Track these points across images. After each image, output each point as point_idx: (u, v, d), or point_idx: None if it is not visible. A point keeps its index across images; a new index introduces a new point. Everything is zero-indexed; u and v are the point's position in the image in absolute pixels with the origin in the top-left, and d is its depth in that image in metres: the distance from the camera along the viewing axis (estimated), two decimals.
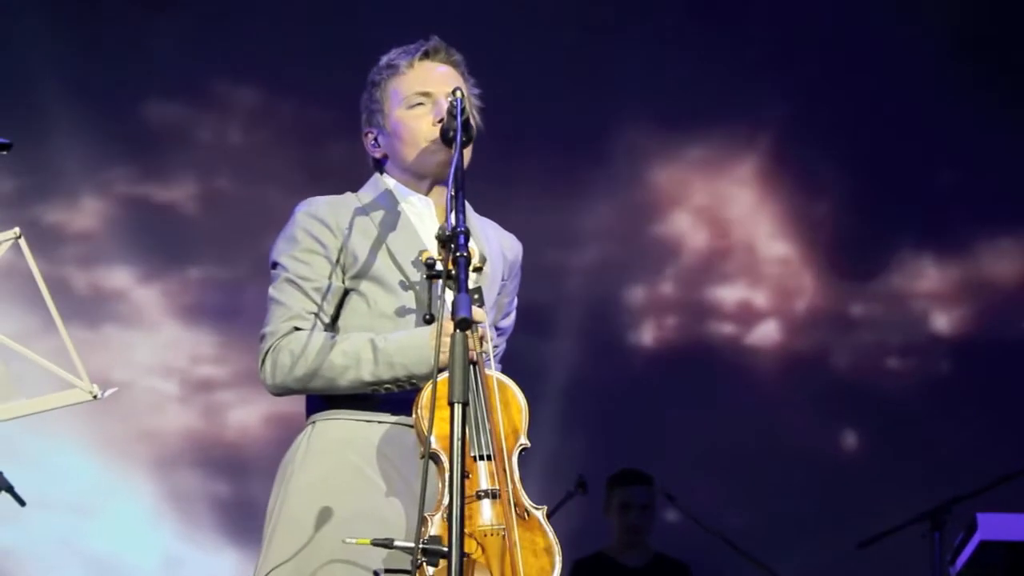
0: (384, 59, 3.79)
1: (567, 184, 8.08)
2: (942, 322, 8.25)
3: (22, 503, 5.43)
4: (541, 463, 7.01)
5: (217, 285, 7.91)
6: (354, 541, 3.36)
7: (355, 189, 3.81)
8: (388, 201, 3.73)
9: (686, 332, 8.21)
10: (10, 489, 5.36)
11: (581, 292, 7.77)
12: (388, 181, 3.77)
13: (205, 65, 7.99)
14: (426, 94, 3.72)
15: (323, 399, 3.64)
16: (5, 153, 3.46)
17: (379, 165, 3.81)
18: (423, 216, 3.73)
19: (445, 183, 3.64)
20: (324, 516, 3.53)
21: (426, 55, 3.76)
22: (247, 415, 7.90)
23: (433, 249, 3.53)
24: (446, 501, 3.27)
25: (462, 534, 3.16)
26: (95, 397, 3.35)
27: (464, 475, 3.20)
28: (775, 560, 7.01)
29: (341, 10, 7.96)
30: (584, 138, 8.06)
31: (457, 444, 3.18)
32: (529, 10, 7.95)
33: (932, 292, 8.24)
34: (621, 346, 8.12)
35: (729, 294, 8.24)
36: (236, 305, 7.79)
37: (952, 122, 8.05)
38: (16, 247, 3.30)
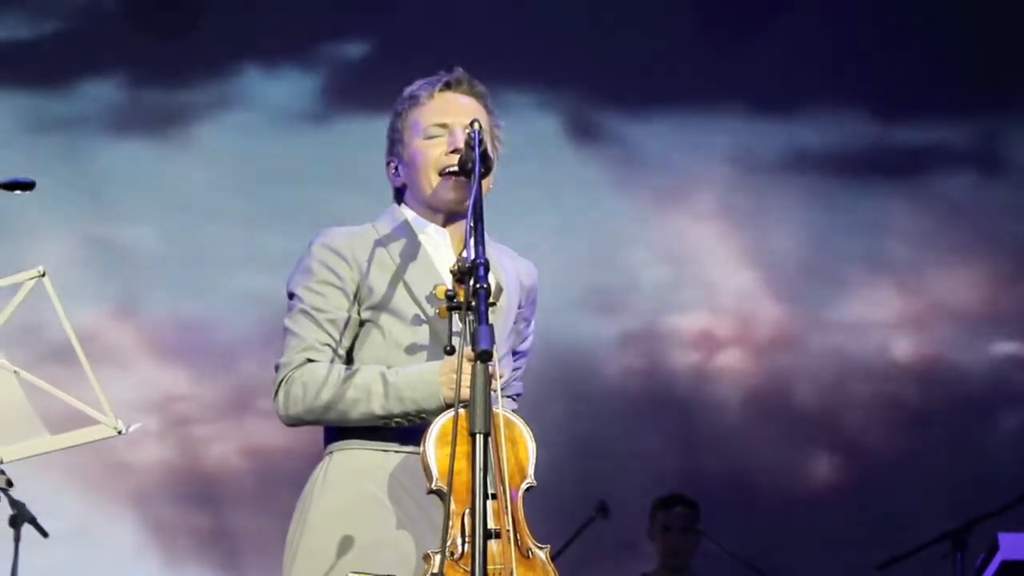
0: (408, 89, 3.80)
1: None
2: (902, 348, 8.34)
3: (45, 534, 5.45)
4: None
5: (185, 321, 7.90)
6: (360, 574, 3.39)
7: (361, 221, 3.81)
8: (405, 232, 3.73)
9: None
10: (32, 520, 5.38)
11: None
12: (406, 212, 3.76)
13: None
14: (443, 125, 3.72)
15: (340, 430, 3.64)
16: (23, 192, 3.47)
17: (399, 195, 3.82)
18: (439, 247, 3.73)
19: (460, 216, 3.67)
20: (343, 546, 3.53)
21: (447, 86, 3.77)
22: (223, 448, 7.90)
23: (448, 282, 3.56)
24: (456, 539, 3.31)
25: (485, 571, 3.16)
26: (120, 432, 3.37)
27: (473, 511, 3.20)
28: None
29: None
30: None
31: (480, 475, 3.18)
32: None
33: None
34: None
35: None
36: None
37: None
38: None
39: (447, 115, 3.73)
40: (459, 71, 3.79)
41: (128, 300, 7.94)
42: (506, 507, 3.39)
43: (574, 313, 7.82)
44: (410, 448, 3.57)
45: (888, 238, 8.31)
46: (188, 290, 8.01)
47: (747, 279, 8.26)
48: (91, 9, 8.37)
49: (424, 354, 3.62)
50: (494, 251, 3.77)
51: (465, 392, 3.31)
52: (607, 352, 8.13)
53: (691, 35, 8.30)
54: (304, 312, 3.63)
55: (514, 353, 3.86)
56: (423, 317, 3.63)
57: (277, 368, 3.63)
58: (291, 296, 3.70)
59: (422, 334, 3.63)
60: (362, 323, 3.66)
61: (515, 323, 3.82)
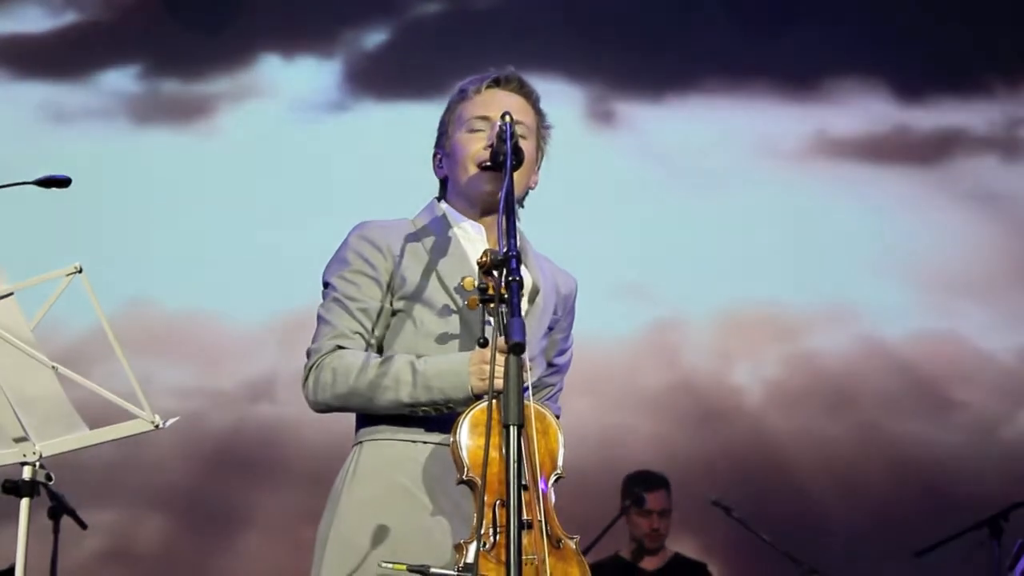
0: (459, 84, 3.82)
1: None
2: None
3: (83, 526, 5.50)
4: None
5: None
6: (390, 566, 3.37)
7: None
8: (441, 226, 3.74)
9: None
10: (72, 513, 5.43)
11: None
12: (444, 207, 3.78)
13: None
14: (485, 119, 3.72)
15: (369, 420, 3.64)
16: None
17: (442, 188, 3.83)
18: (474, 241, 3.74)
19: (495, 211, 3.67)
20: (375, 537, 3.54)
21: (496, 83, 3.77)
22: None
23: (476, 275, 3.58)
24: (488, 529, 3.31)
25: (520, 561, 3.15)
26: (157, 427, 3.40)
27: (505, 502, 3.18)
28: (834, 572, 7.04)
29: None
30: None
31: (513, 467, 3.18)
32: None
33: None
34: None
35: None
36: None
37: None
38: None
39: (490, 110, 3.72)
40: (510, 69, 3.80)
41: (145, 292, 7.96)
42: (538, 498, 3.39)
43: (602, 303, 7.86)
44: (439, 439, 3.56)
45: None
46: (205, 281, 8.01)
47: (777, 268, 8.26)
48: (107, 2, 8.39)
49: (455, 345, 3.62)
50: (534, 257, 3.80)
51: (497, 383, 3.30)
52: (633, 343, 8.13)
53: (717, 21, 8.31)
54: (337, 300, 3.64)
55: (550, 365, 3.86)
56: (454, 308, 3.63)
57: (308, 354, 3.63)
58: (326, 285, 3.70)
59: (453, 325, 3.63)
60: (394, 313, 3.66)
61: (551, 330, 3.82)
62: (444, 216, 3.76)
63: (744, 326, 8.24)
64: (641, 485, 6.97)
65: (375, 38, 8.40)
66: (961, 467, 7.90)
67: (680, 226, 8.17)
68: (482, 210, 3.75)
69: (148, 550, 7.81)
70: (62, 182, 3.44)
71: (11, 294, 3.38)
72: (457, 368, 3.48)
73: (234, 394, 8.06)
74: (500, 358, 3.26)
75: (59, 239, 7.76)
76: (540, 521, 3.39)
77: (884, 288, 8.13)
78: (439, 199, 3.83)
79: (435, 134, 3.84)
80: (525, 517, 3.34)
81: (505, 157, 3.52)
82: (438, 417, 3.56)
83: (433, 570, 3.33)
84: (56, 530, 5.30)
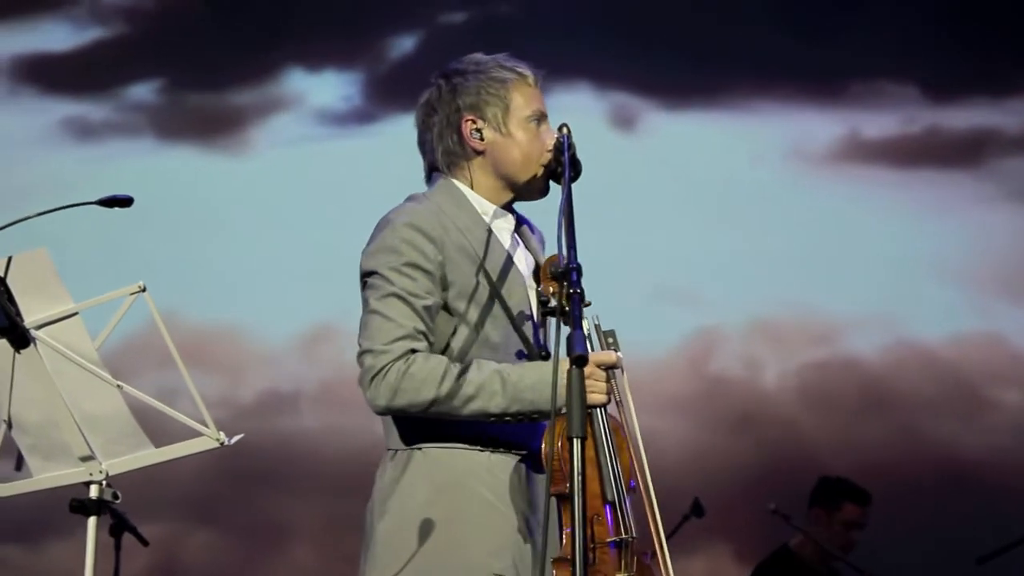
0: (499, 59, 3.70)
1: None
2: None
3: (145, 543, 5.52)
4: None
5: None
6: None
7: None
8: (471, 214, 3.64)
9: None
10: (133, 530, 5.45)
11: None
12: (462, 188, 3.66)
13: None
14: (544, 116, 3.69)
15: (432, 426, 3.53)
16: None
17: (451, 159, 3.67)
18: (503, 233, 3.68)
19: (520, 201, 3.70)
20: (465, 554, 3.49)
21: (540, 77, 3.73)
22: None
23: (528, 279, 3.60)
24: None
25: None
26: (222, 444, 3.40)
27: (580, 516, 3.19)
28: None
29: None
30: None
31: (577, 480, 3.19)
32: None
33: None
34: None
35: None
36: None
37: None
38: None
39: (545, 108, 3.71)
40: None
41: (171, 306, 7.95)
42: (629, 512, 3.46)
43: (634, 309, 7.85)
44: (511, 450, 3.55)
45: None
46: (233, 294, 8.00)
47: (811, 272, 8.25)
48: (132, 16, 8.40)
49: (510, 352, 3.57)
50: (535, 238, 3.78)
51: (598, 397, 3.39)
52: (667, 348, 8.12)
53: (744, 26, 8.30)
54: (397, 296, 3.48)
55: None
56: (504, 311, 3.58)
57: (370, 353, 3.47)
58: (372, 274, 3.54)
59: (507, 330, 3.58)
60: (444, 307, 3.55)
61: None
62: (465, 198, 3.66)
63: (778, 331, 8.22)
64: (858, 499, 6.92)
65: (401, 47, 8.42)
66: (1005, 470, 7.88)
67: (712, 231, 8.13)
68: (515, 198, 3.71)
69: (194, 564, 7.82)
70: (124, 201, 3.44)
71: (76, 314, 3.38)
72: (550, 380, 3.33)
73: (258, 406, 8.05)
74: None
75: (80, 254, 7.77)
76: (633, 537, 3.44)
77: (920, 290, 8.10)
78: (444, 175, 3.69)
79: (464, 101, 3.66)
80: (622, 536, 3.42)
81: (563, 168, 3.53)
82: (512, 428, 3.52)
83: None
84: (118, 547, 5.33)
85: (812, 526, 6.87)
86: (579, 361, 3.16)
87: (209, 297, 7.90)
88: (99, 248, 7.44)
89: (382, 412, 3.51)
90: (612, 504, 3.45)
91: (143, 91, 8.28)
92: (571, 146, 3.57)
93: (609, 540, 3.42)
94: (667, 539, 3.52)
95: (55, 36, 8.27)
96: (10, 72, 8.19)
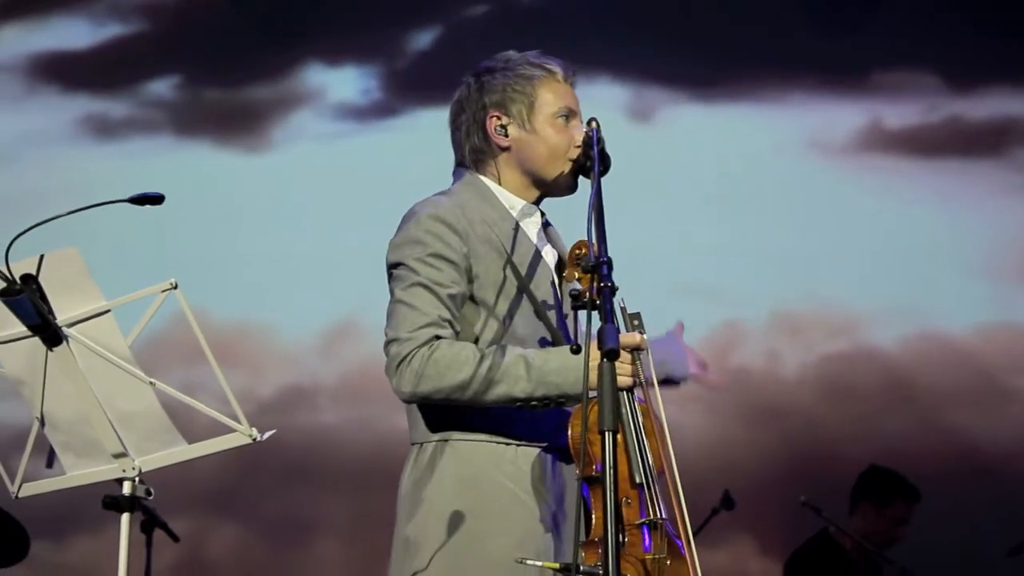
0: (529, 56, 3.75)
1: None
2: None
3: (176, 539, 5.54)
4: None
5: None
6: (539, 563, 3.39)
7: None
8: (497, 208, 3.68)
9: None
10: (164, 526, 5.47)
11: None
12: (487, 182, 3.71)
13: None
14: (574, 113, 3.72)
15: (457, 418, 3.56)
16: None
17: (478, 155, 3.72)
18: (531, 228, 3.71)
19: (549, 197, 3.73)
20: (490, 546, 3.52)
21: (572, 74, 3.76)
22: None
23: (555, 277, 3.62)
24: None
25: (618, 563, 3.18)
26: (254, 440, 3.41)
27: (611, 501, 3.19)
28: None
29: None
30: None
31: (609, 472, 3.20)
32: None
33: None
34: None
35: None
36: None
37: None
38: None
39: (575, 104, 3.74)
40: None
41: (192, 302, 7.93)
42: (658, 494, 3.47)
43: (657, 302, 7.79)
44: (534, 442, 3.57)
45: None
46: (256, 292, 8.00)
47: (833, 263, 8.23)
48: (151, 12, 8.41)
49: (536, 344, 3.59)
50: (554, 232, 3.80)
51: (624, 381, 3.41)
52: (702, 342, 8.07)
53: (763, 17, 8.30)
54: (423, 285, 3.51)
55: None
56: (531, 303, 3.61)
57: (396, 341, 3.49)
58: (398, 265, 3.58)
59: (534, 321, 3.61)
60: (470, 299, 3.59)
61: None
62: (492, 192, 3.70)
63: (800, 322, 8.21)
64: (910, 496, 6.92)
65: (421, 41, 8.42)
66: None
67: (733, 223, 8.13)
68: (542, 194, 3.74)
69: (220, 558, 7.83)
70: (155, 199, 3.44)
71: (108, 311, 3.39)
72: (576, 363, 3.38)
73: (279, 402, 8.05)
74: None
75: (103, 251, 7.77)
76: (665, 519, 3.45)
77: (942, 281, 8.09)
78: (470, 170, 3.73)
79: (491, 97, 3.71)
80: (653, 517, 3.44)
81: (593, 162, 3.55)
82: (527, 421, 3.55)
83: (584, 567, 3.33)
84: (148, 543, 5.34)
85: (858, 518, 6.88)
86: (611, 355, 3.16)
87: (229, 293, 7.89)
88: (120, 245, 7.45)
89: (408, 399, 3.53)
90: (642, 486, 3.45)
91: (163, 87, 8.31)
92: (600, 140, 3.59)
93: (638, 522, 3.44)
94: (696, 532, 3.54)
95: (74, 33, 8.29)
96: (30, 70, 8.21)
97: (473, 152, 3.72)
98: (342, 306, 7.78)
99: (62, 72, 8.24)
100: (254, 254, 7.95)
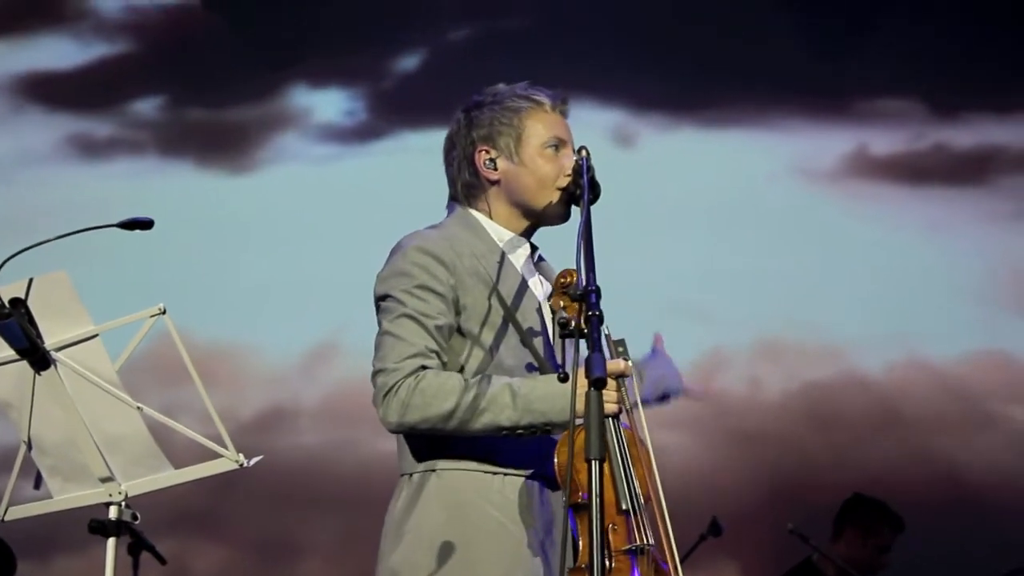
0: (517, 88, 3.76)
1: None
2: None
3: (163, 561, 5.52)
4: None
5: None
6: None
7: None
8: (486, 240, 3.68)
9: None
10: (152, 548, 5.44)
11: None
12: (476, 216, 3.72)
13: None
14: (564, 143, 3.73)
15: (443, 447, 3.56)
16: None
17: (469, 191, 3.75)
18: (518, 259, 3.71)
19: (539, 228, 3.74)
20: (480, 574, 3.50)
21: (564, 103, 3.77)
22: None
23: (545, 306, 3.61)
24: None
25: None
26: (241, 465, 3.41)
27: (596, 528, 3.16)
28: None
29: None
30: None
31: (596, 501, 3.19)
32: None
33: None
34: None
35: None
36: None
37: None
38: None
39: (564, 133, 3.74)
40: (565, 93, 3.79)
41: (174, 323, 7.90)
42: (645, 521, 3.46)
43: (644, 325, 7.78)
44: (522, 472, 3.56)
45: None
46: (240, 313, 7.99)
47: (818, 290, 8.23)
48: (136, 32, 8.40)
49: (524, 375, 3.58)
50: (547, 266, 3.80)
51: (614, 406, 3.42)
52: (687, 367, 8.07)
53: (749, 43, 8.31)
54: (409, 316, 3.52)
55: None
56: (518, 334, 3.61)
57: (383, 372, 3.50)
58: (385, 298, 3.59)
59: (520, 351, 3.60)
60: (457, 330, 3.59)
61: None
62: (481, 226, 3.72)
63: (785, 348, 8.22)
64: (895, 524, 6.92)
65: (405, 63, 8.42)
66: (1016, 489, 7.87)
67: (719, 248, 8.12)
68: (532, 225, 3.75)
69: None
70: (145, 224, 3.44)
71: (96, 335, 3.38)
72: (562, 391, 3.38)
73: (259, 424, 8.04)
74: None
75: (87, 273, 7.74)
76: (652, 544, 3.44)
77: (928, 308, 8.10)
78: (462, 205, 3.75)
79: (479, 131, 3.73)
80: (640, 543, 3.42)
81: (582, 191, 3.55)
82: (515, 450, 3.54)
83: None
84: (135, 565, 5.31)
85: (842, 544, 6.88)
86: (598, 383, 3.14)
87: (210, 313, 7.87)
88: (104, 265, 7.43)
89: (394, 429, 3.53)
90: (628, 513, 3.45)
91: (148, 107, 8.29)
92: (590, 168, 3.59)
93: (625, 548, 3.43)
94: (684, 559, 3.53)
95: (59, 53, 8.27)
96: (15, 89, 8.20)
97: (465, 187, 3.73)
98: (324, 327, 7.77)
99: (47, 92, 8.23)
100: (236, 275, 7.93)
